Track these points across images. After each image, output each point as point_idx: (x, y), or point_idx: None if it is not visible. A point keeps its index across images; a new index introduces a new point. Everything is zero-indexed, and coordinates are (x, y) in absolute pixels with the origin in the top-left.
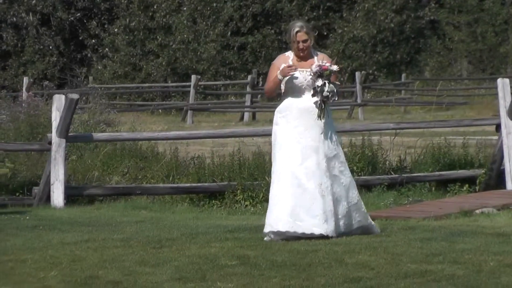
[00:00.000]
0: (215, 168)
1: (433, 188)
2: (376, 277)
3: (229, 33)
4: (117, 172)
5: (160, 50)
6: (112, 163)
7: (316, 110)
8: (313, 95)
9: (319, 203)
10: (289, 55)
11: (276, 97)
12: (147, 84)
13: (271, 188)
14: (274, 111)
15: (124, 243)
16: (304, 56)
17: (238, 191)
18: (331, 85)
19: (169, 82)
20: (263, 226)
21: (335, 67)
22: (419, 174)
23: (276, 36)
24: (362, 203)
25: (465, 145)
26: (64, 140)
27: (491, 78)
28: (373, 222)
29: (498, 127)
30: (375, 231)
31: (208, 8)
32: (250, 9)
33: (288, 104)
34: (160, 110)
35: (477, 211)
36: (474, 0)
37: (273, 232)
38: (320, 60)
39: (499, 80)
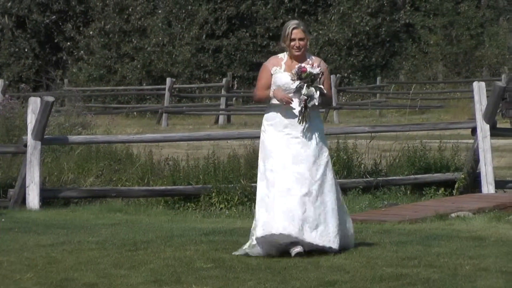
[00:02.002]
0: (190, 171)
1: (409, 192)
2: (351, 281)
3: (204, 36)
4: (91, 174)
5: (135, 53)
6: (87, 166)
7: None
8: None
9: (309, 210)
10: (282, 57)
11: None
12: (122, 87)
13: (262, 194)
14: (248, 114)
15: (99, 245)
16: (299, 57)
17: (213, 194)
18: (311, 88)
19: (144, 85)
20: (239, 229)
21: (316, 70)
22: (394, 177)
23: (251, 39)
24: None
25: (441, 148)
26: (39, 143)
27: (467, 82)
28: (352, 234)
29: (473, 130)
30: (351, 244)
31: (183, 11)
32: (225, 12)
33: (276, 111)
34: (135, 113)
35: (453, 215)
36: (449, 3)
37: (265, 237)
38: (313, 64)
39: (475, 84)
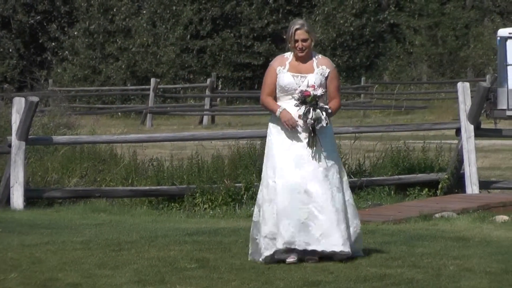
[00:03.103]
0: (174, 171)
1: (393, 192)
2: (335, 281)
3: (188, 37)
4: (76, 174)
5: (120, 53)
6: (71, 166)
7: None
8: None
9: (315, 219)
10: (288, 57)
11: None
12: (106, 87)
13: (265, 203)
14: (233, 115)
15: (83, 245)
16: (303, 57)
17: (197, 194)
18: (317, 110)
19: (129, 85)
20: (222, 229)
21: (319, 91)
22: (378, 178)
23: (235, 40)
24: (359, 222)
25: (425, 149)
26: (24, 143)
27: (451, 82)
28: (361, 247)
29: (458, 131)
30: (359, 253)
31: (168, 12)
32: (210, 12)
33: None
34: (119, 113)
35: (437, 215)
36: (434, 4)
37: (278, 251)
38: (320, 65)
39: (459, 84)
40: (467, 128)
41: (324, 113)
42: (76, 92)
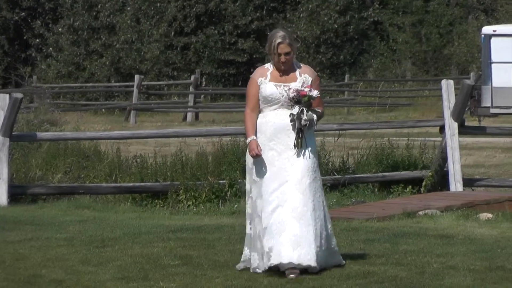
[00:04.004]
0: (158, 168)
1: (376, 189)
2: (319, 278)
3: (172, 33)
4: (59, 171)
5: (104, 49)
6: (55, 162)
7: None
8: (291, 121)
9: (294, 227)
10: (269, 67)
11: None
12: (90, 84)
13: (261, 217)
14: (216, 112)
15: (67, 242)
16: (285, 70)
17: (181, 191)
18: (309, 112)
19: (113, 82)
20: (206, 226)
21: (315, 93)
22: (362, 175)
23: (219, 37)
24: (334, 239)
25: (409, 146)
26: (8, 139)
27: (435, 80)
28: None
29: (442, 128)
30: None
31: (152, 8)
32: (194, 9)
33: (263, 124)
34: (103, 110)
35: (420, 213)
36: (419, 1)
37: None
38: (302, 73)
39: (444, 82)
40: (451, 126)
41: (315, 115)
42: (60, 88)
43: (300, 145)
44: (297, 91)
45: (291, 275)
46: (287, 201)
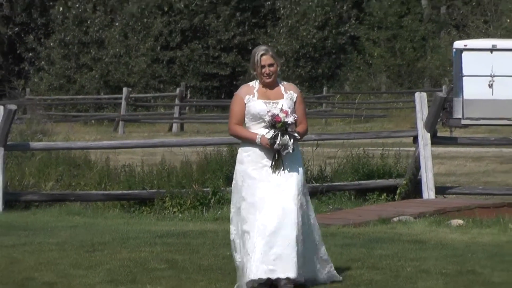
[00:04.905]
0: (145, 176)
1: (353, 197)
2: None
3: (158, 48)
4: (51, 179)
5: (94, 63)
6: (47, 171)
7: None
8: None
9: (297, 249)
10: (254, 85)
11: None
12: (81, 96)
13: (249, 237)
14: (201, 123)
15: (59, 246)
16: (270, 83)
17: (167, 198)
18: (285, 136)
19: (102, 94)
20: (191, 231)
21: (290, 119)
22: (339, 183)
23: (203, 51)
24: (323, 247)
25: (384, 156)
26: (2, 149)
27: (409, 92)
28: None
29: (415, 138)
30: (337, 278)
31: (139, 24)
32: (179, 24)
33: (252, 146)
34: (93, 121)
35: (395, 219)
36: (393, 17)
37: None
38: (287, 90)
39: (417, 94)
40: (424, 136)
41: (292, 139)
42: (52, 100)
43: (277, 167)
44: (273, 115)
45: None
46: (280, 215)
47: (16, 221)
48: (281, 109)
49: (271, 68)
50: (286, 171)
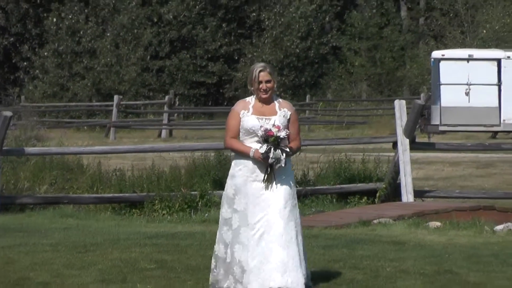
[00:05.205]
0: (135, 180)
1: (335, 200)
2: None
3: (148, 57)
4: (45, 182)
5: (86, 72)
6: (41, 175)
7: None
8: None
9: (281, 254)
10: (250, 101)
11: None
12: (73, 103)
13: (237, 249)
14: (189, 129)
15: (52, 247)
16: (266, 99)
17: (156, 201)
18: (277, 151)
19: (94, 101)
20: (179, 233)
21: (282, 133)
22: (321, 187)
23: (191, 60)
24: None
25: (364, 160)
26: None
27: (389, 100)
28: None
29: (394, 144)
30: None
31: (130, 34)
32: (168, 35)
33: (245, 159)
34: (85, 127)
35: (375, 221)
36: (373, 28)
37: None
38: (282, 108)
39: (396, 102)
40: (403, 142)
41: (284, 154)
42: (46, 107)
43: (269, 181)
44: (266, 130)
45: None
46: (272, 228)
47: (11, 223)
48: (274, 124)
49: (268, 84)
50: (278, 185)
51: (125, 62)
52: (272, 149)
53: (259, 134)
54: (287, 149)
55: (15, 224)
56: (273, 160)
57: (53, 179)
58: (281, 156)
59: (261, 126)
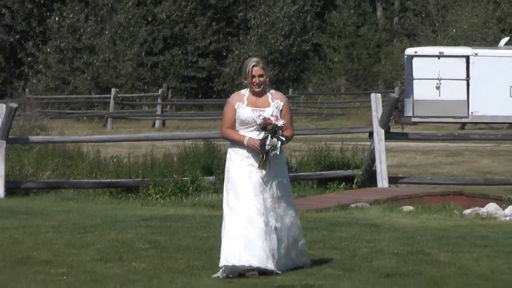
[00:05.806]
0: (131, 166)
1: (315, 186)
2: None
3: (143, 53)
4: (48, 168)
5: (86, 67)
6: (44, 161)
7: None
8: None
9: (265, 241)
10: (244, 93)
11: None
12: (74, 96)
13: (225, 222)
14: (180, 119)
15: (54, 229)
16: (259, 92)
17: (150, 186)
18: (274, 139)
19: (93, 94)
20: (172, 216)
21: (280, 122)
22: (303, 173)
23: (183, 56)
24: (303, 240)
25: (343, 149)
26: (4, 142)
27: (365, 93)
28: (308, 259)
29: (371, 134)
30: (307, 264)
31: (126, 32)
32: (161, 33)
33: (240, 146)
34: (85, 118)
35: (353, 205)
36: (351, 27)
37: (227, 267)
38: (275, 99)
39: (372, 95)
40: (379, 132)
41: (279, 142)
42: (49, 99)
43: (264, 167)
44: (264, 118)
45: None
46: (260, 214)
47: (16, 206)
48: (272, 114)
49: (261, 79)
50: (271, 172)
51: (122, 58)
52: (269, 136)
53: (257, 122)
54: (283, 138)
55: (20, 207)
56: (270, 147)
57: (55, 166)
58: (277, 143)
59: (259, 115)
